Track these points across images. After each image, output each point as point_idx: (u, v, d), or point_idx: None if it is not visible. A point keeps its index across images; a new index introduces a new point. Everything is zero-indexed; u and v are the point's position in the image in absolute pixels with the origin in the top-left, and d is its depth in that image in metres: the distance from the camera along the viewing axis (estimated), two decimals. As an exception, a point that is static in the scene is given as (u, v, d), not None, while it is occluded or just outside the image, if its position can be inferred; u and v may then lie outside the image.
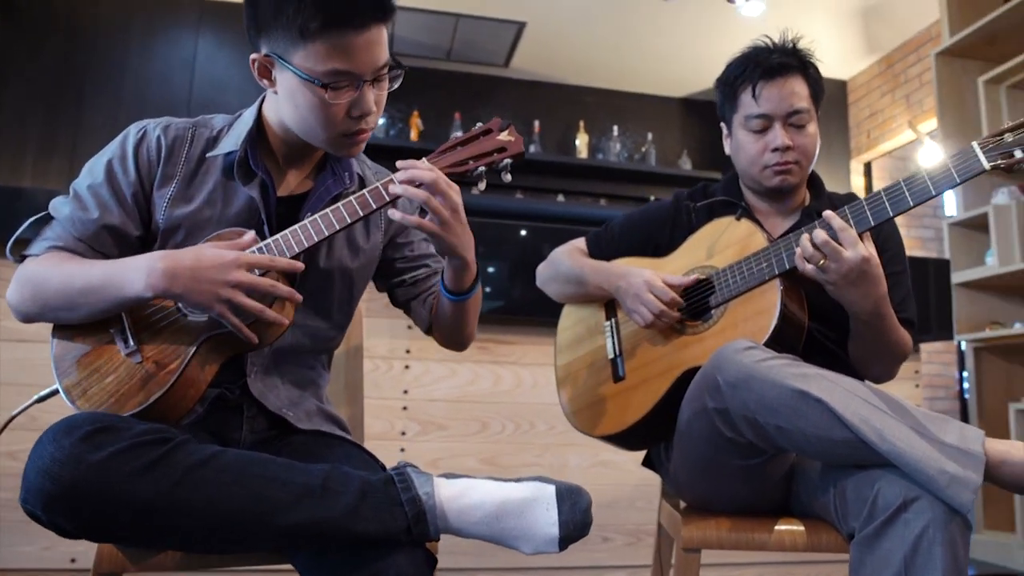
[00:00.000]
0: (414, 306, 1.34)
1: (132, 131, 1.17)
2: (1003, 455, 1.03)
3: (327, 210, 1.09)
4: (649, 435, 1.39)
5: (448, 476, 0.93)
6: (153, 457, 0.85)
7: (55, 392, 1.07)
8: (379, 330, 2.39)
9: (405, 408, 2.39)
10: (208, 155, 1.16)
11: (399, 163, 1.11)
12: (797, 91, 1.37)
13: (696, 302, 1.35)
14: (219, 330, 1.03)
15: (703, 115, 5.52)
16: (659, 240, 1.50)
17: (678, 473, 1.34)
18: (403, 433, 2.37)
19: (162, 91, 4.35)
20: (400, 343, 2.44)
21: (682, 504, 1.45)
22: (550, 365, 2.53)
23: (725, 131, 1.50)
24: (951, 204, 3.59)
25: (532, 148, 5.06)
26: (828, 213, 1.19)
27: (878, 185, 5.02)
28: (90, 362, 1.03)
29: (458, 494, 0.90)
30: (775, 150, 1.36)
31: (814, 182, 1.48)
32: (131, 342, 1.03)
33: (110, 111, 4.24)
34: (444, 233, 1.09)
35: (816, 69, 1.42)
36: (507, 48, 4.88)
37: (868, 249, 1.17)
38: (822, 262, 1.17)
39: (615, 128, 5.25)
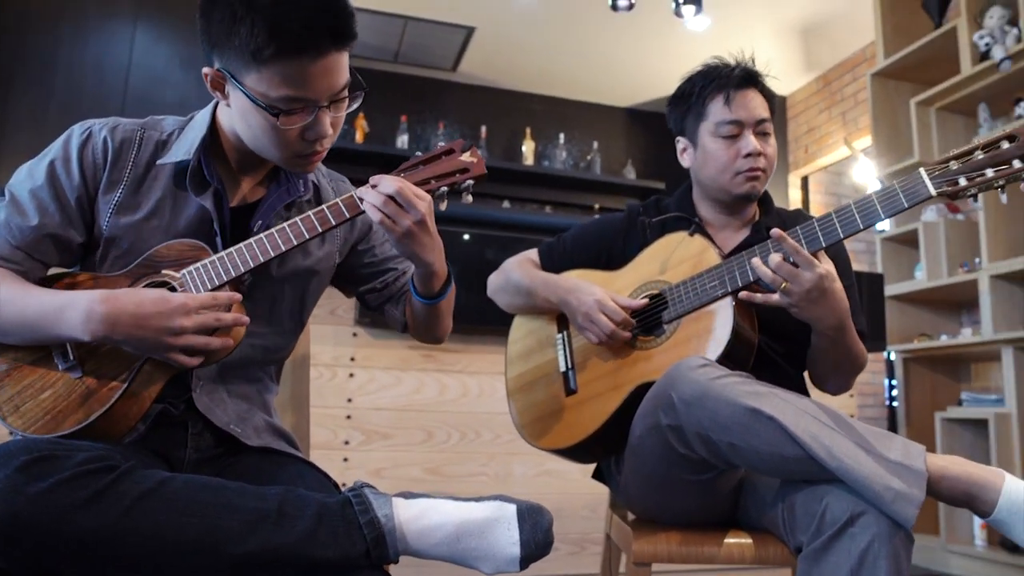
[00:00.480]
0: (387, 309, 1.33)
1: (76, 131, 1.10)
2: (943, 470, 1.06)
3: (284, 224, 1.05)
4: (600, 449, 1.38)
5: (405, 496, 0.91)
6: (98, 487, 0.80)
7: None
8: (323, 337, 2.34)
9: (349, 417, 2.34)
10: (158, 162, 1.10)
11: (372, 179, 1.08)
12: (760, 102, 1.42)
13: (649, 317, 1.36)
14: None
15: (648, 125, 5.61)
16: (611, 253, 1.50)
17: (629, 486, 1.34)
18: (346, 442, 2.32)
19: (96, 84, 4.17)
20: (344, 351, 2.39)
21: (630, 516, 1.46)
22: (496, 374, 2.54)
23: (683, 145, 1.51)
24: (885, 222, 3.73)
25: (480, 154, 5.04)
26: (777, 232, 1.19)
27: (814, 198, 5.18)
28: (23, 376, 0.97)
29: (417, 515, 0.87)
30: (748, 155, 1.39)
31: (764, 198, 1.50)
32: (71, 357, 0.97)
33: (39, 104, 4.04)
34: (408, 241, 1.08)
35: (769, 87, 1.45)
36: (455, 52, 4.86)
37: (825, 266, 1.19)
38: (784, 285, 1.18)
39: (561, 136, 5.28)
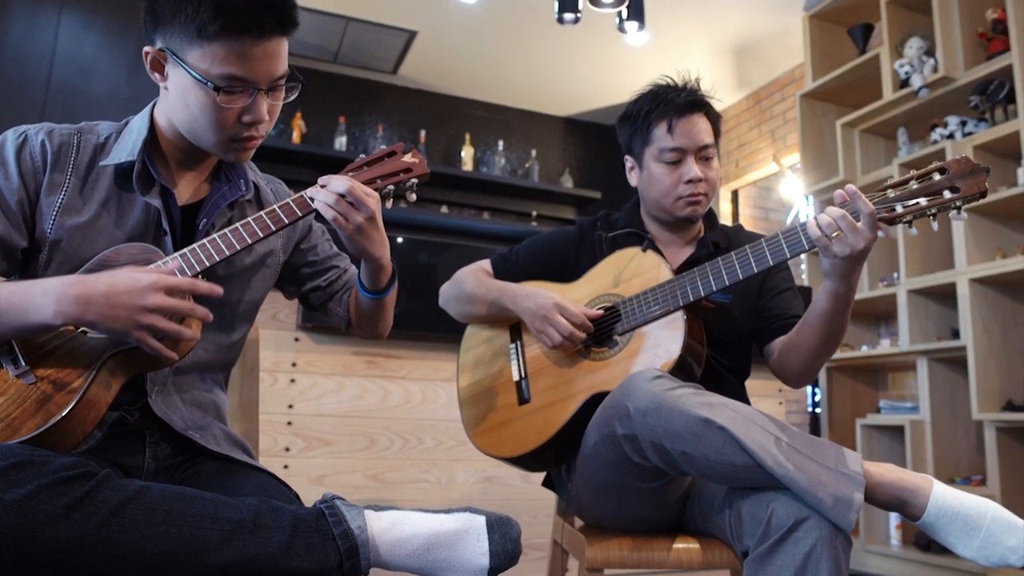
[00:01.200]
0: (331, 307, 1.35)
1: (10, 136, 1.08)
2: (878, 477, 1.13)
3: (237, 224, 1.06)
4: (552, 457, 1.41)
5: (375, 507, 0.91)
6: (77, 495, 0.78)
7: None
8: (265, 342, 2.30)
9: (290, 423, 2.31)
10: (101, 163, 1.09)
11: (320, 179, 1.11)
12: (704, 128, 1.46)
13: (602, 329, 1.40)
14: (123, 347, 0.96)
15: (585, 135, 5.71)
16: (564, 265, 1.54)
17: (580, 493, 1.37)
18: (287, 449, 2.29)
19: (17, 72, 3.97)
20: (286, 356, 2.35)
21: (578, 522, 1.50)
22: (439, 380, 2.55)
23: (630, 164, 1.56)
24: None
25: (418, 158, 5.03)
26: (852, 188, 1.18)
27: (744, 211, 5.37)
28: None
29: (388, 526, 0.88)
30: (689, 181, 1.44)
31: (708, 214, 1.56)
32: (21, 362, 0.94)
33: (-47, 91, 3.83)
34: (359, 238, 1.12)
35: (714, 110, 1.50)
36: (396, 55, 4.83)
37: (870, 233, 1.16)
38: (837, 234, 1.17)
39: (500, 143, 5.32)
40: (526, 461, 1.42)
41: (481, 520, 0.90)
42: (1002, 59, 2.94)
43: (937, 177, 1.15)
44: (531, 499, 2.53)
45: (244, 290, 1.19)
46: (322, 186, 1.09)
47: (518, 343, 1.48)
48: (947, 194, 1.13)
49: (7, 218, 1.02)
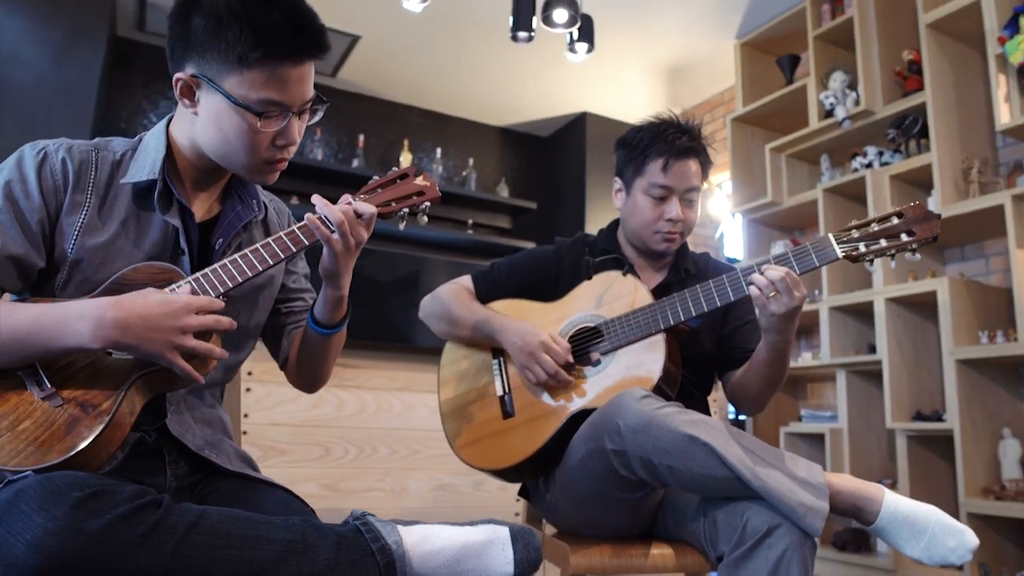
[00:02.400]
0: (277, 338, 1.33)
1: (29, 152, 1.06)
2: (837, 486, 1.25)
3: (258, 245, 1.08)
4: (536, 469, 1.48)
5: (401, 523, 0.95)
6: (151, 522, 0.79)
7: None
8: (220, 350, 2.27)
9: (245, 432, 2.29)
10: (122, 180, 1.09)
11: (314, 198, 1.13)
12: (695, 171, 1.56)
13: (584, 348, 1.48)
14: (150, 368, 0.97)
15: (521, 146, 5.81)
16: (544, 285, 1.61)
17: (560, 503, 1.45)
18: (241, 459, 2.27)
19: (-65, 59, 3.75)
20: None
21: (550, 529, 1.57)
22: (394, 390, 2.58)
23: (618, 186, 1.64)
24: (739, 251, 4.12)
25: (355, 163, 5.01)
26: (772, 265, 1.32)
27: (671, 226, 5.57)
28: None
29: (420, 540, 0.92)
30: (669, 220, 1.53)
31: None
32: (47, 384, 0.93)
33: None
34: (346, 260, 1.13)
35: (708, 156, 1.60)
36: (337, 59, 4.80)
37: (804, 291, 1.31)
38: (774, 295, 1.30)
39: (438, 150, 5.35)
40: (509, 473, 1.48)
41: (505, 531, 0.96)
42: (917, 97, 3.21)
43: (895, 221, 1.28)
44: (483, 506, 2.59)
45: (252, 310, 1.21)
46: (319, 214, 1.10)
47: (501, 359, 1.54)
48: (904, 237, 1.27)
49: (26, 238, 1.01)
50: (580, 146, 5.41)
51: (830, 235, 1.31)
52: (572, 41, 3.30)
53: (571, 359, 1.45)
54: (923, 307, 3.15)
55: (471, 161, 5.47)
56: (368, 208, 1.11)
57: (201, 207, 1.17)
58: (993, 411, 2.88)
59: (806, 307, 3.52)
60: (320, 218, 1.11)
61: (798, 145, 3.78)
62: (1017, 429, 2.87)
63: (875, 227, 1.29)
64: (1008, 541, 2.68)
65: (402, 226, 1.23)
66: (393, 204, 1.18)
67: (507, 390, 1.51)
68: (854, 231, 1.30)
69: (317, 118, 1.15)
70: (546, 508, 1.51)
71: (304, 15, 1.05)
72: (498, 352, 1.56)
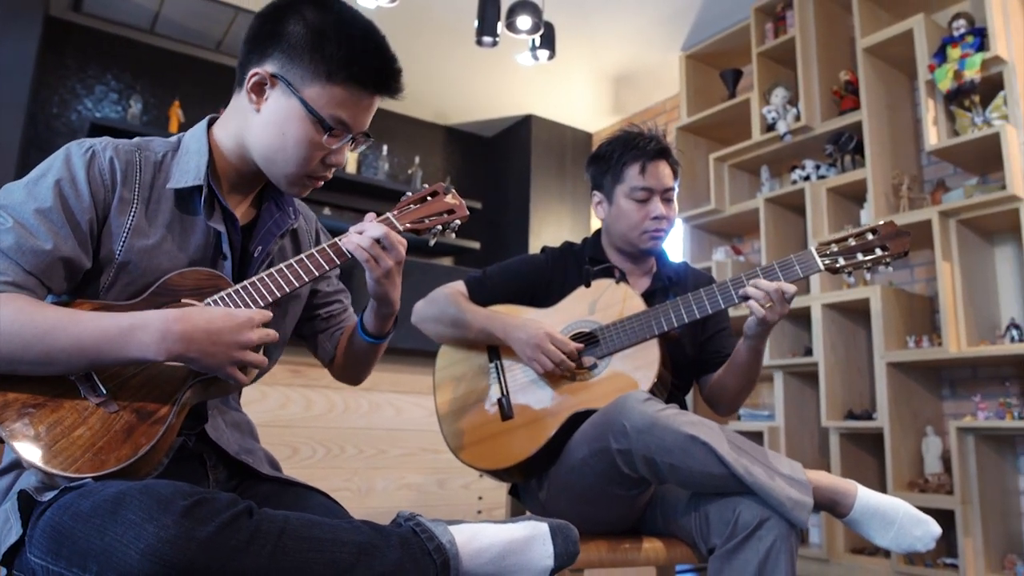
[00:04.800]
0: (321, 340, 1.37)
1: (76, 151, 1.04)
2: (816, 482, 1.36)
3: (303, 255, 1.10)
4: (534, 469, 1.54)
5: (446, 522, 0.99)
6: (251, 529, 0.80)
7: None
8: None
9: (212, 433, 2.26)
10: (168, 186, 1.08)
11: (355, 227, 1.15)
12: (669, 172, 1.66)
13: (581, 352, 1.55)
14: (205, 375, 0.98)
15: (467, 145, 5.85)
16: (536, 291, 1.67)
17: (555, 500, 1.51)
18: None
19: None
20: (208, 363, 2.30)
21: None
22: (361, 390, 2.59)
23: (598, 199, 1.72)
24: (681, 257, 4.28)
25: (301, 156, 4.94)
26: (780, 282, 1.43)
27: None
28: (46, 414, 0.90)
29: (469, 538, 0.97)
30: (655, 218, 1.62)
31: (661, 253, 1.76)
32: (102, 390, 0.93)
33: None
34: (385, 282, 1.16)
35: (675, 158, 1.70)
36: (284, 51, 4.72)
37: None
38: (768, 304, 1.43)
39: (384, 147, 5.34)
40: (510, 473, 1.54)
41: (545, 527, 1.01)
42: (853, 115, 3.42)
43: (870, 237, 1.41)
44: (446, 504, 2.63)
45: (284, 318, 1.22)
46: (359, 232, 1.13)
47: (497, 363, 1.60)
48: (878, 251, 1.39)
49: (76, 238, 0.99)
50: (525, 148, 5.50)
51: (812, 249, 1.43)
52: (534, 47, 3.37)
53: (577, 346, 1.52)
54: (856, 313, 3.37)
55: (417, 159, 5.48)
56: (377, 230, 1.11)
57: (239, 211, 1.17)
58: (918, 410, 3.12)
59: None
60: (341, 247, 1.13)
61: (740, 156, 3.96)
62: (938, 427, 3.11)
63: (852, 242, 1.41)
64: (930, 530, 2.91)
65: (432, 242, 1.27)
66: (427, 221, 1.21)
67: (505, 393, 1.56)
68: (833, 245, 1.42)
69: (361, 149, 1.18)
70: (539, 506, 1.57)
71: (391, 54, 1.10)
72: (494, 356, 1.61)
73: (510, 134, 5.73)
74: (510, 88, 5.14)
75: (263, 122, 1.08)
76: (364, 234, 1.12)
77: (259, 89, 1.08)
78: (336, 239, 1.14)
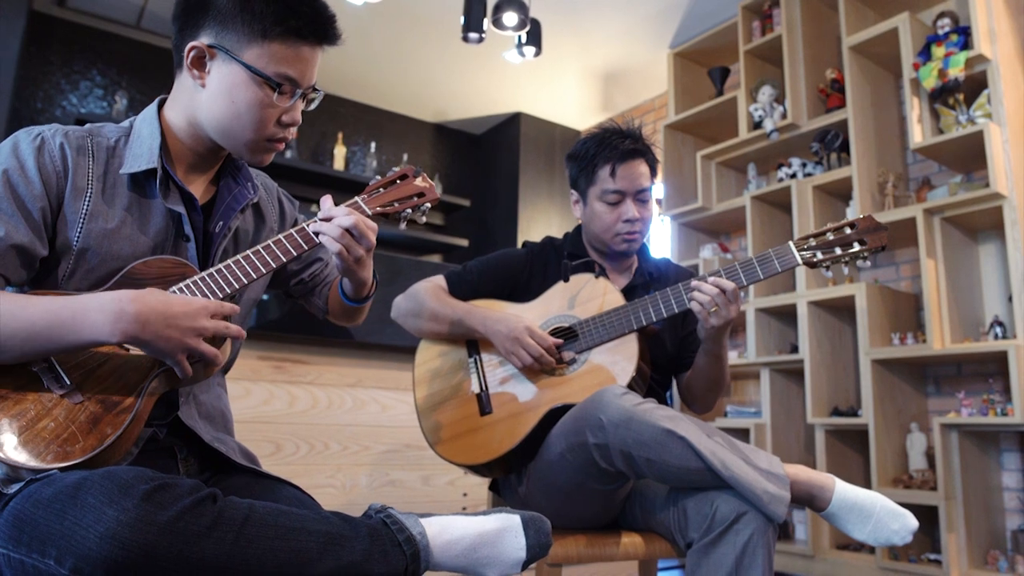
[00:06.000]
0: (311, 299, 1.42)
1: (24, 139, 1.03)
2: (794, 476, 1.36)
3: (270, 241, 1.09)
4: (512, 463, 1.53)
5: (417, 515, 0.99)
6: (213, 515, 0.80)
7: None
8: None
9: (194, 429, 2.24)
10: (121, 171, 1.07)
11: (323, 211, 1.14)
12: (643, 172, 1.64)
13: (560, 346, 1.54)
14: (167, 365, 0.97)
15: (455, 143, 5.84)
16: (515, 286, 1.67)
17: (534, 495, 1.51)
18: (189, 456, 2.22)
19: None
20: (190, 359, 2.29)
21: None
22: (345, 386, 2.58)
23: (575, 198, 1.72)
24: (667, 254, 4.28)
25: (288, 154, 4.93)
26: (712, 278, 1.44)
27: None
28: (8, 408, 0.89)
29: (440, 530, 0.96)
30: (627, 220, 1.61)
31: (642, 248, 1.76)
32: (65, 380, 0.92)
33: None
34: (356, 268, 1.17)
35: (653, 155, 1.69)
36: (271, 47, 4.70)
37: (739, 304, 1.45)
38: (714, 308, 1.42)
39: (373, 144, 5.32)
40: (488, 468, 1.53)
41: (517, 519, 1.01)
42: (839, 113, 3.43)
43: (848, 231, 1.41)
44: (431, 501, 2.63)
45: (249, 291, 1.22)
46: (325, 219, 1.12)
47: (476, 357, 1.59)
48: (856, 246, 1.39)
49: (29, 227, 0.99)
50: (514, 146, 5.49)
51: (791, 243, 1.43)
52: (520, 44, 3.36)
53: (556, 341, 1.51)
54: (841, 310, 3.38)
55: (405, 156, 5.47)
56: (347, 220, 1.10)
57: (197, 191, 1.16)
58: (902, 407, 3.13)
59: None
60: (308, 232, 1.13)
61: (727, 154, 3.97)
62: (923, 424, 3.13)
63: (831, 236, 1.41)
64: (914, 526, 2.92)
65: (402, 227, 1.27)
66: (396, 205, 1.21)
67: (483, 388, 1.56)
68: (812, 239, 1.42)
69: (314, 106, 1.17)
70: (518, 501, 1.57)
71: (322, 3, 1.11)
72: (473, 350, 1.60)
73: (499, 131, 5.73)
74: (499, 86, 5.13)
75: (211, 95, 1.08)
76: (333, 222, 1.12)
77: (199, 63, 1.07)
78: (304, 224, 1.14)
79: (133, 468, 0.82)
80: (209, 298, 1.03)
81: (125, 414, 0.92)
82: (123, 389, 0.94)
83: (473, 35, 3.08)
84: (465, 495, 2.69)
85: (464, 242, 5.34)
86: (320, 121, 5.22)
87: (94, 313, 0.91)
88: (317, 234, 1.12)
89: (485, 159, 5.85)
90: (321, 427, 2.47)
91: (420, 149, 5.69)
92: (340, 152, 5.17)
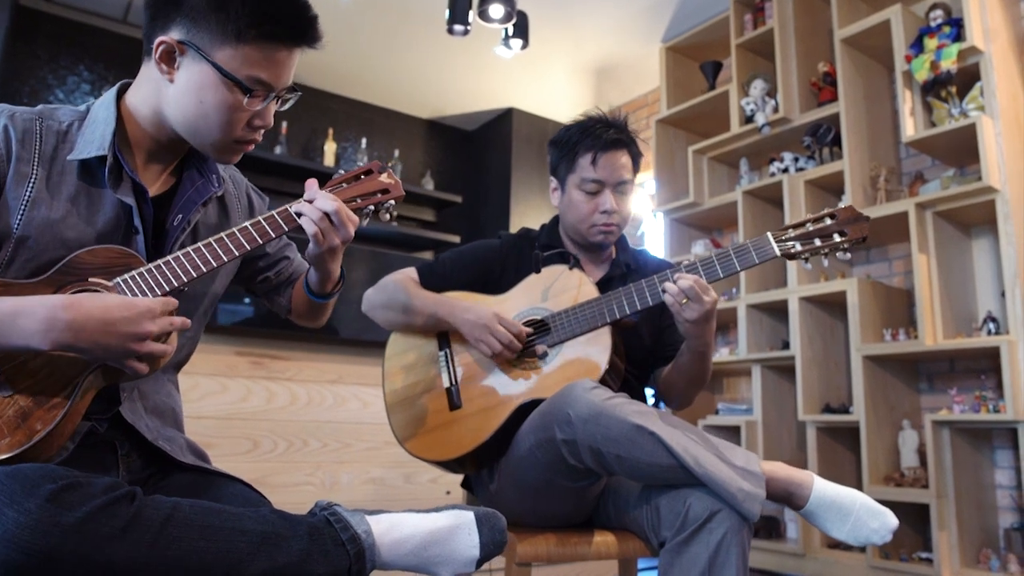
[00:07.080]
0: (275, 297, 1.38)
1: None
2: (771, 473, 1.32)
3: (223, 234, 1.04)
4: (482, 459, 1.49)
5: (366, 512, 0.95)
6: (128, 515, 0.76)
7: None
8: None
9: (169, 426, 2.21)
10: (69, 157, 1.03)
11: (307, 194, 1.11)
12: (625, 163, 1.59)
13: (531, 339, 1.50)
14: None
15: (447, 139, 5.79)
16: (488, 278, 1.62)
17: (505, 492, 1.46)
18: (164, 453, 2.18)
19: None
20: (165, 355, 2.25)
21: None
22: (325, 382, 2.54)
23: (554, 185, 1.67)
24: (660, 251, 4.24)
25: (278, 150, 4.88)
26: (683, 274, 1.39)
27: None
28: None
29: (388, 528, 0.92)
30: (604, 212, 1.57)
31: (620, 239, 1.71)
32: None
33: None
34: (328, 257, 1.14)
35: (637, 147, 1.65)
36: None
37: (714, 295, 1.39)
38: (685, 302, 1.37)
39: (364, 140, 5.28)
40: (455, 464, 1.49)
41: (470, 515, 0.97)
42: (831, 107, 3.39)
43: (828, 222, 1.36)
44: (413, 498, 2.59)
45: (208, 284, 1.17)
46: (308, 200, 1.09)
47: (447, 351, 1.55)
48: (836, 237, 1.35)
49: None
50: (506, 142, 5.44)
51: (769, 234, 1.38)
52: (507, 37, 3.32)
53: (526, 329, 1.47)
54: (833, 306, 3.34)
55: (396, 153, 5.42)
56: (329, 204, 1.08)
57: (153, 180, 1.12)
58: (894, 404, 3.09)
59: (725, 304, 3.66)
60: (291, 212, 1.09)
61: (719, 148, 3.93)
62: (915, 421, 3.08)
63: (810, 227, 1.37)
64: (906, 525, 2.88)
65: (365, 223, 1.22)
66: (358, 201, 1.16)
67: (454, 382, 1.52)
68: (791, 230, 1.38)
69: (288, 106, 1.13)
70: (489, 498, 1.53)
71: (303, 3, 1.06)
72: (444, 344, 1.56)
73: (491, 127, 5.68)
74: (491, 81, 5.08)
75: (178, 92, 1.04)
76: (315, 204, 1.08)
77: (168, 59, 1.03)
78: (275, 211, 1.09)
79: (43, 466, 0.78)
80: (156, 291, 0.98)
81: (57, 409, 0.88)
82: (56, 383, 0.90)
83: (458, 27, 3.04)
84: (448, 492, 2.65)
85: (456, 238, 5.30)
86: (310, 117, 5.18)
87: (23, 319, 0.86)
88: (299, 215, 1.09)
89: (477, 155, 5.80)
90: (300, 424, 2.44)
91: (412, 145, 5.64)
92: (331, 148, 5.12)
